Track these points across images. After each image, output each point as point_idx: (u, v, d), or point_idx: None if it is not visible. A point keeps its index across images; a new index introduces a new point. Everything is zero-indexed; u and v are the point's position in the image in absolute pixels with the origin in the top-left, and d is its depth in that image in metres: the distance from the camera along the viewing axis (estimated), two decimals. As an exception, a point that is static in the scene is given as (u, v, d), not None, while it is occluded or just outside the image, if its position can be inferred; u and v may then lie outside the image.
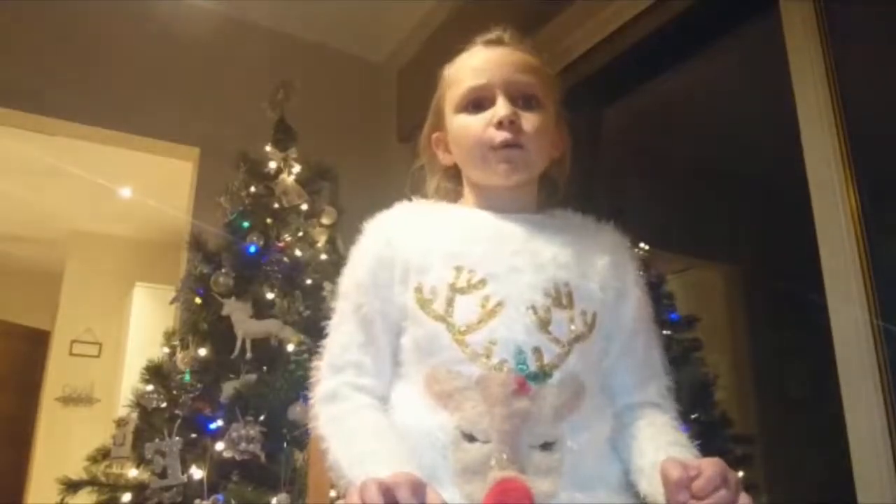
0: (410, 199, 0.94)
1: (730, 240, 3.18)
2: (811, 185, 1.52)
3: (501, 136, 0.85)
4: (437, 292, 0.81)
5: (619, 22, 2.09)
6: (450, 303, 0.80)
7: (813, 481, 2.65)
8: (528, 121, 0.86)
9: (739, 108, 2.85)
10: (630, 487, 0.79)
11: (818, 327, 1.46)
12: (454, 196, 0.96)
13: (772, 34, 1.65)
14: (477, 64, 0.90)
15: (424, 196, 0.97)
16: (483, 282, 0.80)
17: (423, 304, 0.81)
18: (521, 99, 0.87)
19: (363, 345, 0.85)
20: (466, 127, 0.88)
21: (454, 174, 0.96)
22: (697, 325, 2.27)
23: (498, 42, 0.92)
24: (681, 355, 2.11)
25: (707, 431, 1.96)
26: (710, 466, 0.65)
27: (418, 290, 0.82)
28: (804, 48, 1.57)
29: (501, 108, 0.85)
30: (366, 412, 0.81)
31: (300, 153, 2.28)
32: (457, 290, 0.80)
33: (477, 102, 0.88)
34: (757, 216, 3.06)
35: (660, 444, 0.79)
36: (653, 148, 3.01)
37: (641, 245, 2.04)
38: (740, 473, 1.89)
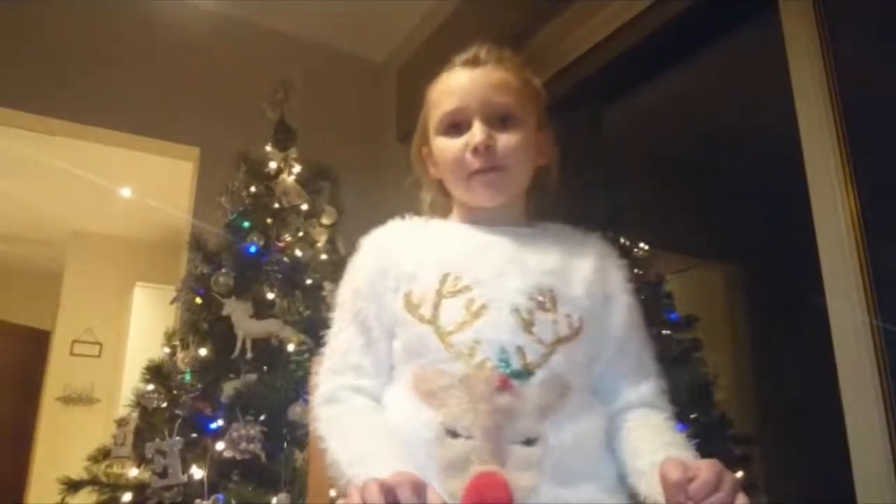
0: (404, 217, 0.97)
1: (730, 240, 3.18)
2: (811, 186, 1.52)
3: (476, 163, 0.88)
4: (424, 297, 0.84)
5: (618, 22, 2.09)
6: (436, 307, 0.83)
7: (813, 481, 2.65)
8: (505, 142, 0.88)
9: (739, 108, 2.85)
10: (622, 488, 0.80)
11: (818, 328, 1.46)
12: (447, 211, 0.99)
13: (772, 34, 1.65)
14: (453, 87, 0.92)
15: (419, 212, 1.00)
16: (468, 287, 0.83)
17: (412, 308, 0.84)
18: (499, 119, 0.89)
19: (363, 347, 0.88)
20: (445, 150, 0.91)
21: (445, 187, 0.98)
22: (697, 325, 2.28)
23: (474, 62, 0.93)
24: (681, 355, 2.11)
25: (707, 431, 1.97)
26: (707, 469, 0.66)
27: (407, 295, 0.85)
28: (804, 48, 1.57)
29: (477, 134, 0.87)
30: (364, 413, 0.84)
31: (300, 153, 2.28)
32: (443, 294, 0.83)
33: (455, 125, 0.90)
34: (757, 216, 3.06)
35: (657, 444, 0.80)
36: (653, 148, 3.01)
37: (641, 245, 2.05)
38: (739, 473, 1.89)
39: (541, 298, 0.83)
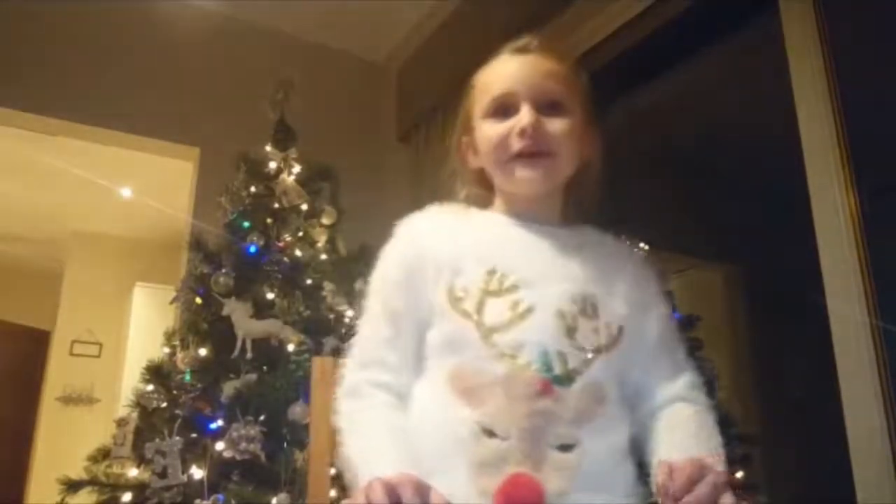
0: (442, 204, 0.96)
1: (730, 240, 3.18)
2: (811, 185, 1.52)
3: (520, 144, 0.86)
4: (468, 292, 0.83)
5: (618, 22, 2.09)
6: (481, 304, 0.82)
7: (813, 482, 2.65)
8: (553, 126, 0.87)
9: (739, 108, 2.85)
10: (638, 493, 0.80)
11: (818, 327, 1.46)
12: (484, 203, 0.97)
13: (772, 34, 1.65)
14: (503, 71, 0.91)
15: (455, 202, 0.98)
16: (515, 286, 0.82)
17: (454, 302, 0.83)
18: (547, 105, 0.88)
19: (390, 340, 0.87)
20: (491, 133, 0.90)
21: (484, 179, 0.97)
22: (697, 324, 2.27)
23: (525, 50, 0.92)
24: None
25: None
26: (682, 470, 0.66)
27: (450, 288, 0.84)
28: (804, 48, 1.57)
29: (524, 116, 0.86)
30: (381, 411, 0.83)
31: (300, 153, 2.28)
32: (489, 292, 0.82)
33: (503, 109, 0.89)
34: (757, 216, 3.06)
35: (673, 441, 0.80)
36: (653, 148, 3.01)
37: (641, 245, 2.04)
38: (740, 473, 1.89)
39: (584, 305, 0.83)
